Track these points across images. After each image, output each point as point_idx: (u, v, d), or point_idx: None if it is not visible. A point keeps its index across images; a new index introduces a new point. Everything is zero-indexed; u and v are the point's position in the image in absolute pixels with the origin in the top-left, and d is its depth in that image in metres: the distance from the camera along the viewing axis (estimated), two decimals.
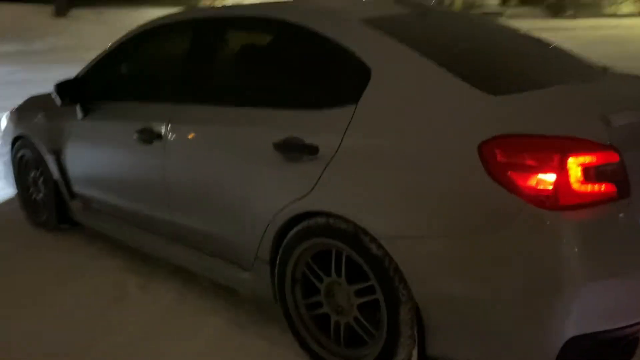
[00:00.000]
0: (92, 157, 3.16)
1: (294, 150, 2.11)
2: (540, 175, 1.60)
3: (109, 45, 3.14)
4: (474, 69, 2.00)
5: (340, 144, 1.98)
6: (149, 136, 2.67)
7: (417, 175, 1.81)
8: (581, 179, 1.59)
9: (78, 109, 3.11)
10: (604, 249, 1.63)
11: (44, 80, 5.21)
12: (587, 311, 1.63)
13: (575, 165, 1.58)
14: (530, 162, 1.62)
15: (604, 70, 2.38)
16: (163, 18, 2.98)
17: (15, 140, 3.71)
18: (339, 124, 2.00)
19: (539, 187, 1.60)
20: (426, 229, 1.79)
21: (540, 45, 2.58)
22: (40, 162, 3.48)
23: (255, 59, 2.60)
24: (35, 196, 3.71)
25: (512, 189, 1.62)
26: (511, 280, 1.67)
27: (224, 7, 3.39)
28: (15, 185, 3.84)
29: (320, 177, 2.01)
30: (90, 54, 3.45)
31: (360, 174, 1.94)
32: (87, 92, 3.11)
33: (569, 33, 15.23)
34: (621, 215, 1.66)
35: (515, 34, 2.67)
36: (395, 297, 1.86)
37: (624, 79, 2.37)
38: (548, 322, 1.64)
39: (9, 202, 4.19)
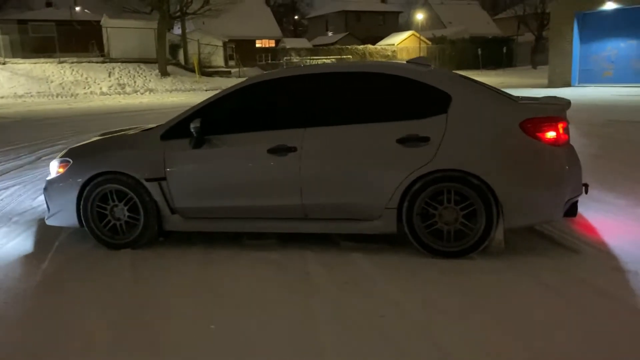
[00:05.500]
0: (211, 176, 4.26)
1: (412, 140, 3.89)
2: (550, 132, 3.80)
3: (218, 93, 4.31)
4: (493, 90, 4.12)
5: (444, 134, 3.86)
6: (283, 151, 4.06)
7: (491, 142, 3.84)
8: (562, 133, 3.85)
9: (194, 141, 4.19)
10: (569, 160, 3.90)
11: None
12: (569, 187, 3.88)
13: (561, 128, 3.84)
14: (545, 128, 3.81)
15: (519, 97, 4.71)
16: (295, 69, 4.48)
17: (89, 180, 4.39)
18: (441, 123, 3.89)
19: (549, 137, 3.80)
20: (502, 165, 3.83)
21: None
22: (135, 190, 4.33)
23: (371, 96, 4.22)
24: (113, 223, 4.45)
25: (539, 139, 3.78)
26: (544, 177, 3.84)
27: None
28: (84, 220, 4.47)
29: (436, 152, 3.85)
30: None
31: (461, 146, 3.85)
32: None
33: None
34: (569, 146, 3.99)
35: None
36: (489, 202, 3.83)
37: (531, 99, 4.76)
38: (562, 193, 3.84)
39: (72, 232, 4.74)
